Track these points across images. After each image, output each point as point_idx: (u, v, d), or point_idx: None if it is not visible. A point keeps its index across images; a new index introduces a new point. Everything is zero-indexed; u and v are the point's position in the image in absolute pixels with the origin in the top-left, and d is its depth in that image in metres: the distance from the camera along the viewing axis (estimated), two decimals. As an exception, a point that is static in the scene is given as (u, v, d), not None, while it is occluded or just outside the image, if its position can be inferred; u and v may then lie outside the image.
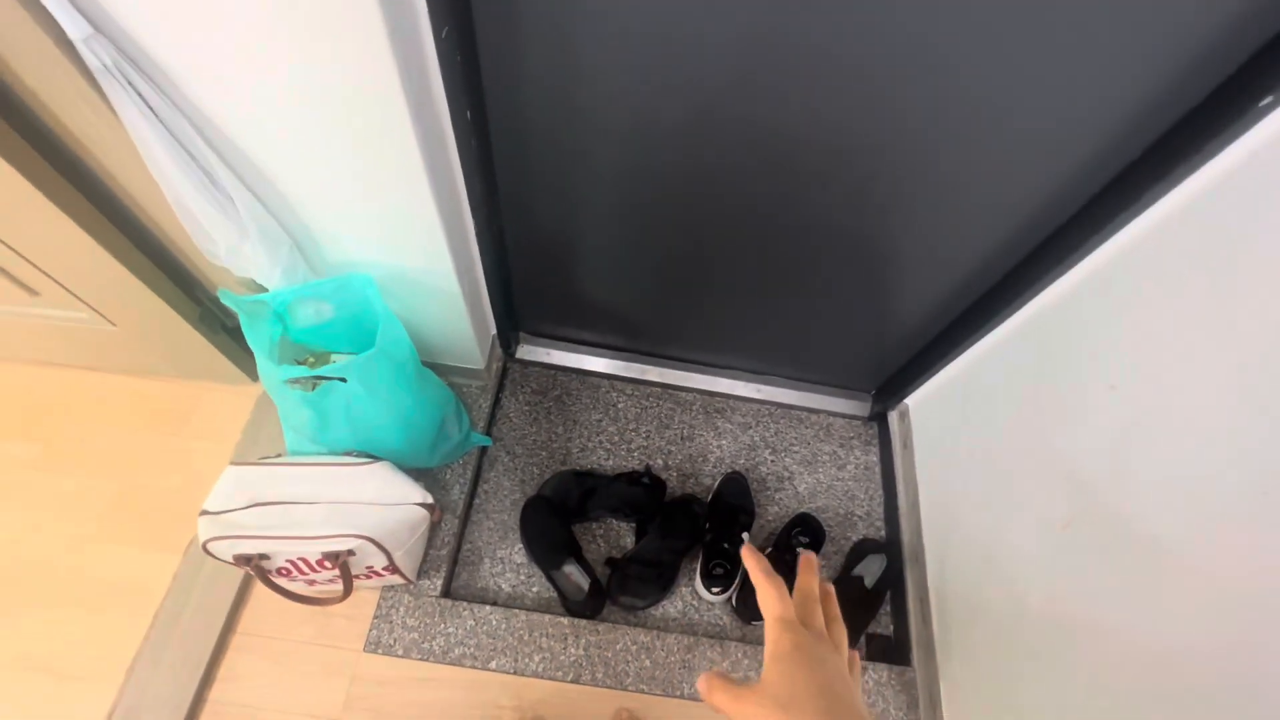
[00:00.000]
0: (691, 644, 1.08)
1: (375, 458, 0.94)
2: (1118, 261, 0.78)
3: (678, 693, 1.04)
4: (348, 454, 0.95)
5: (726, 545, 1.15)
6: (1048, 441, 0.85)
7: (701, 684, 0.35)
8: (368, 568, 0.96)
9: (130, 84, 0.61)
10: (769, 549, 1.18)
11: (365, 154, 0.69)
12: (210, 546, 0.86)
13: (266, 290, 0.86)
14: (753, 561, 0.39)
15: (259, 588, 1.05)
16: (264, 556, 0.89)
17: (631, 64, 0.70)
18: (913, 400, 1.28)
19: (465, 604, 1.07)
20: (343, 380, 0.85)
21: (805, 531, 1.19)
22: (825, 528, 1.21)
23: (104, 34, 0.58)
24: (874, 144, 0.76)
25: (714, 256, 1.02)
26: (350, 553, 0.89)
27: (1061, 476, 0.82)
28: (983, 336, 1.03)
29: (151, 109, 0.63)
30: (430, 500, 0.95)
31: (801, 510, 1.25)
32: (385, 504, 0.92)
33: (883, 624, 1.18)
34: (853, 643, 1.15)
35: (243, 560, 0.87)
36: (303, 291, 0.87)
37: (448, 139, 0.74)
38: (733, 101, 0.73)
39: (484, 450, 1.24)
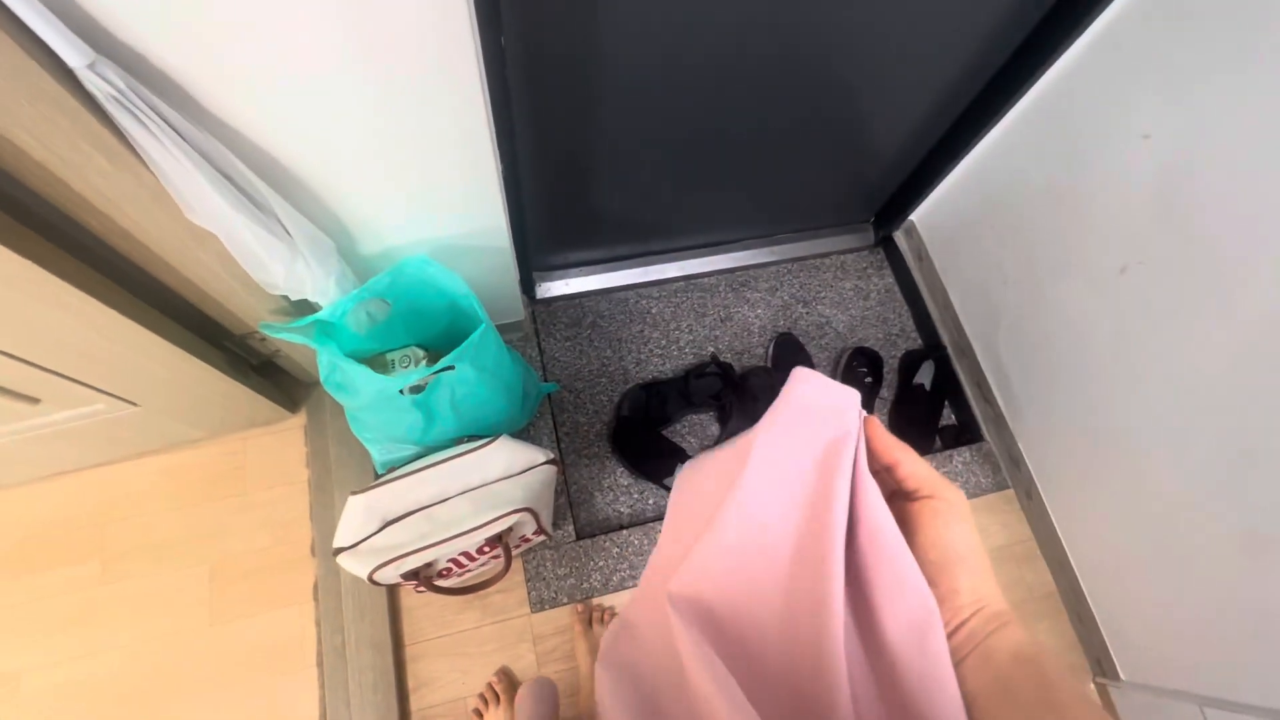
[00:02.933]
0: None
1: (487, 436, 0.92)
2: (1125, 15, 0.82)
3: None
4: (457, 443, 0.92)
5: (806, 399, 1.22)
6: (1089, 202, 0.94)
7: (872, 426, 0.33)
8: (521, 538, 0.97)
9: (148, 109, 0.50)
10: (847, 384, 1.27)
11: (424, 115, 0.61)
12: (376, 576, 0.83)
13: (320, 307, 0.78)
14: (880, 440, 0.34)
15: (407, 599, 1.04)
16: (427, 565, 0.87)
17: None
18: (918, 215, 1.35)
19: (601, 536, 1.11)
20: (450, 369, 0.80)
21: (863, 363, 1.28)
22: (879, 357, 1.31)
23: (109, 57, 0.47)
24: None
25: (713, 137, 1.02)
26: (509, 530, 0.89)
27: (1109, 230, 0.92)
28: (985, 134, 1.08)
29: (177, 132, 0.53)
30: (552, 455, 0.95)
31: (849, 347, 1.33)
32: (520, 472, 0.91)
33: (948, 417, 1.32)
34: (930, 441, 1.29)
35: (411, 576, 0.86)
36: (361, 295, 0.80)
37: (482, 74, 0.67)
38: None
39: (549, 397, 1.22)
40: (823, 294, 1.40)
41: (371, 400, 0.81)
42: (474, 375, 0.82)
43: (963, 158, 1.15)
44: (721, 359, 1.26)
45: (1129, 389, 0.95)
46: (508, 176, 0.85)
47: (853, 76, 0.96)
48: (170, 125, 0.52)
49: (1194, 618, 0.92)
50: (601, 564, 1.09)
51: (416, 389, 0.81)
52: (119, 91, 0.48)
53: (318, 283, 0.74)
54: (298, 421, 1.11)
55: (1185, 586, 0.93)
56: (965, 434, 1.28)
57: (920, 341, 1.37)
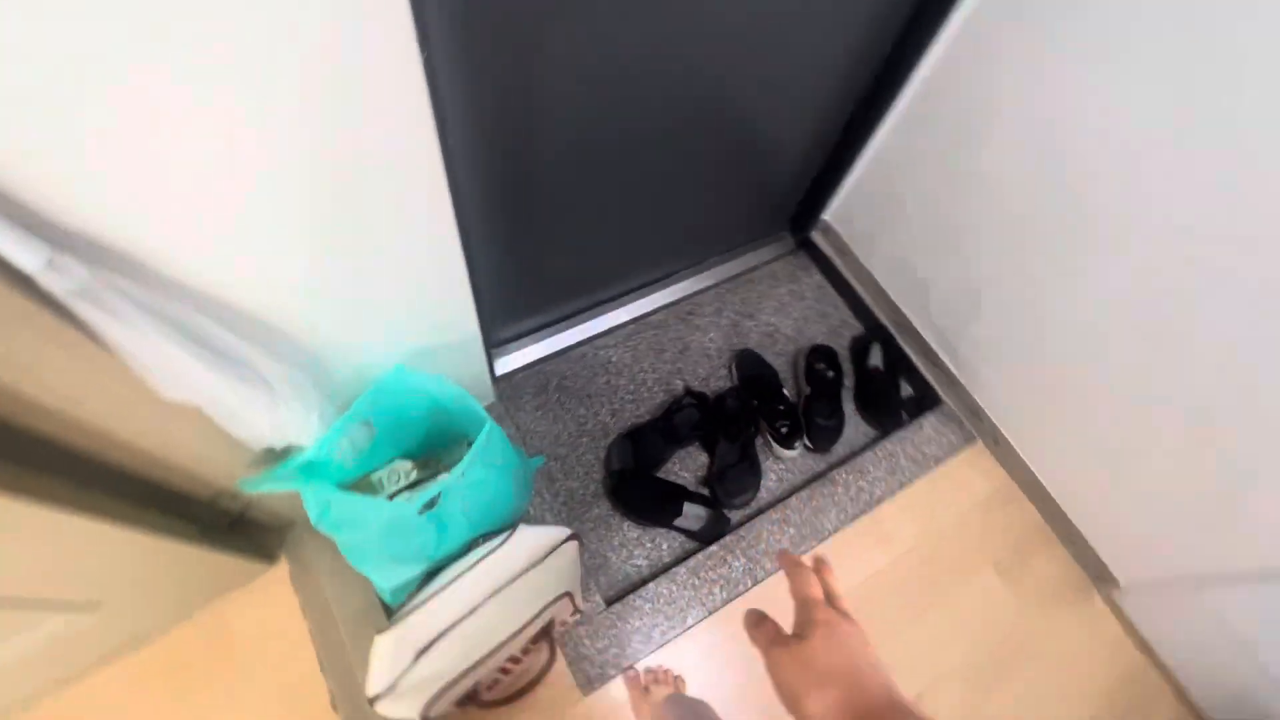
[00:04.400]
0: (807, 494, 1.22)
1: (498, 531, 0.88)
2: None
3: (826, 533, 1.18)
4: (471, 546, 0.88)
5: (781, 406, 1.27)
6: (985, 170, 1.05)
7: (748, 619, 0.42)
8: (559, 623, 0.93)
9: (112, 294, 0.46)
10: (808, 391, 1.32)
11: (396, 233, 0.60)
12: (430, 715, 0.78)
13: (302, 447, 0.73)
14: (786, 561, 0.44)
15: (447, 726, 0.97)
16: (475, 684, 0.82)
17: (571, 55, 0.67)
18: (831, 214, 1.44)
19: (629, 596, 1.09)
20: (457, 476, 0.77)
21: (819, 360, 1.35)
22: (833, 351, 1.38)
23: (65, 248, 0.42)
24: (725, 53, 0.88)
25: (634, 176, 1.05)
26: (550, 620, 0.86)
27: (1006, 191, 1.03)
28: (879, 127, 1.19)
29: (145, 309, 0.48)
30: (570, 530, 0.93)
31: (803, 348, 1.40)
32: (545, 557, 0.88)
33: (907, 390, 1.41)
34: (897, 416, 1.37)
35: (466, 700, 0.80)
36: (345, 423, 0.75)
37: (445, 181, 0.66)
38: (641, 59, 0.80)
39: (538, 472, 1.19)
40: (762, 304, 1.46)
41: (382, 529, 0.76)
42: (483, 475, 0.79)
43: (861, 154, 1.25)
44: (693, 389, 1.29)
45: (1052, 321, 1.06)
46: (470, 267, 0.84)
47: (745, 100, 1.02)
48: (137, 305, 0.48)
49: (1167, 502, 1.03)
50: (638, 624, 1.07)
51: (428, 504, 0.77)
52: (80, 283, 0.44)
53: (301, 424, 0.69)
54: (279, 572, 1.01)
55: (1150, 476, 1.03)
56: (925, 401, 1.38)
57: (862, 327, 1.46)
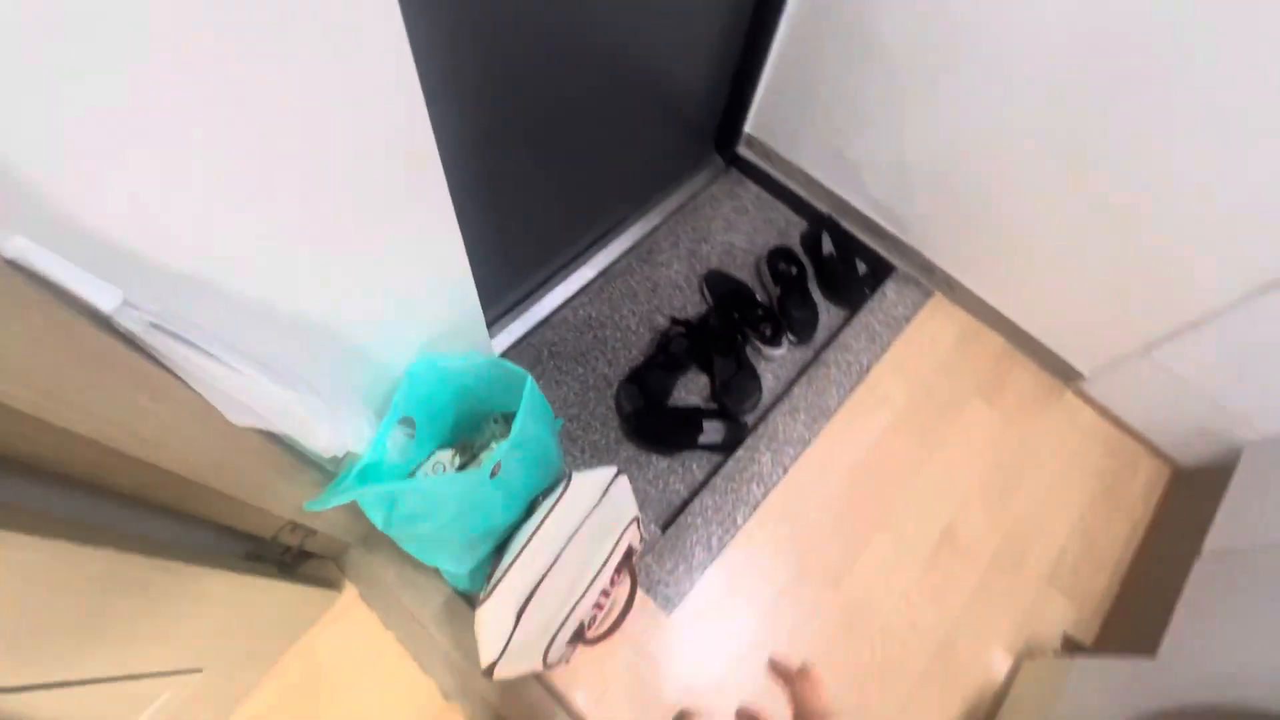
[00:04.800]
0: (806, 381, 1.31)
1: (557, 483, 0.93)
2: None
3: (832, 409, 1.29)
4: (531, 509, 0.92)
5: (760, 311, 1.35)
6: (884, 38, 1.13)
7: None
8: (635, 551, 0.99)
9: (181, 325, 0.47)
10: (777, 291, 1.40)
11: (406, 233, 0.62)
12: (550, 660, 0.83)
13: (352, 456, 0.75)
14: (777, 670, 0.48)
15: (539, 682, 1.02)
16: (579, 623, 0.88)
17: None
18: (751, 126, 1.51)
19: (679, 519, 1.16)
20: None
21: (779, 261, 1.43)
22: (789, 248, 1.46)
23: (136, 283, 0.43)
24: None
25: (573, 142, 1.08)
26: (630, 547, 0.92)
27: (906, 54, 1.12)
28: (774, 33, 1.25)
29: (210, 335, 0.50)
30: (614, 467, 0.98)
31: (762, 254, 1.48)
32: (602, 496, 0.94)
33: (862, 268, 1.52)
34: (860, 294, 1.47)
35: (575, 638, 0.86)
36: (389, 422, 0.77)
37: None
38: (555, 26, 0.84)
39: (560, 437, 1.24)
40: (712, 227, 1.53)
41: (458, 508, 0.79)
42: (534, 430, 0.83)
43: (765, 59, 1.32)
44: (677, 318, 1.34)
45: (970, 157, 1.17)
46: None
47: (650, 41, 1.06)
48: (203, 330, 0.49)
49: (1104, 288, 1.17)
50: (695, 537, 1.14)
51: (494, 471, 0.80)
52: (154, 316, 0.45)
53: (356, 428, 0.71)
54: (348, 596, 1.03)
55: (1084, 269, 1.17)
56: (881, 272, 1.49)
57: (806, 223, 1.55)
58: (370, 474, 0.78)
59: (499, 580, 0.85)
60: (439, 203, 0.65)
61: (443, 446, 0.97)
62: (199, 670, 0.79)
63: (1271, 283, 0.96)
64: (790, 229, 1.55)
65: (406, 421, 0.84)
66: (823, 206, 1.51)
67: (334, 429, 0.66)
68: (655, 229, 1.50)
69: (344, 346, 0.70)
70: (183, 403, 0.51)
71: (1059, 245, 1.17)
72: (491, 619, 0.84)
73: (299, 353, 0.62)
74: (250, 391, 0.54)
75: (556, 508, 0.89)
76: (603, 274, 1.43)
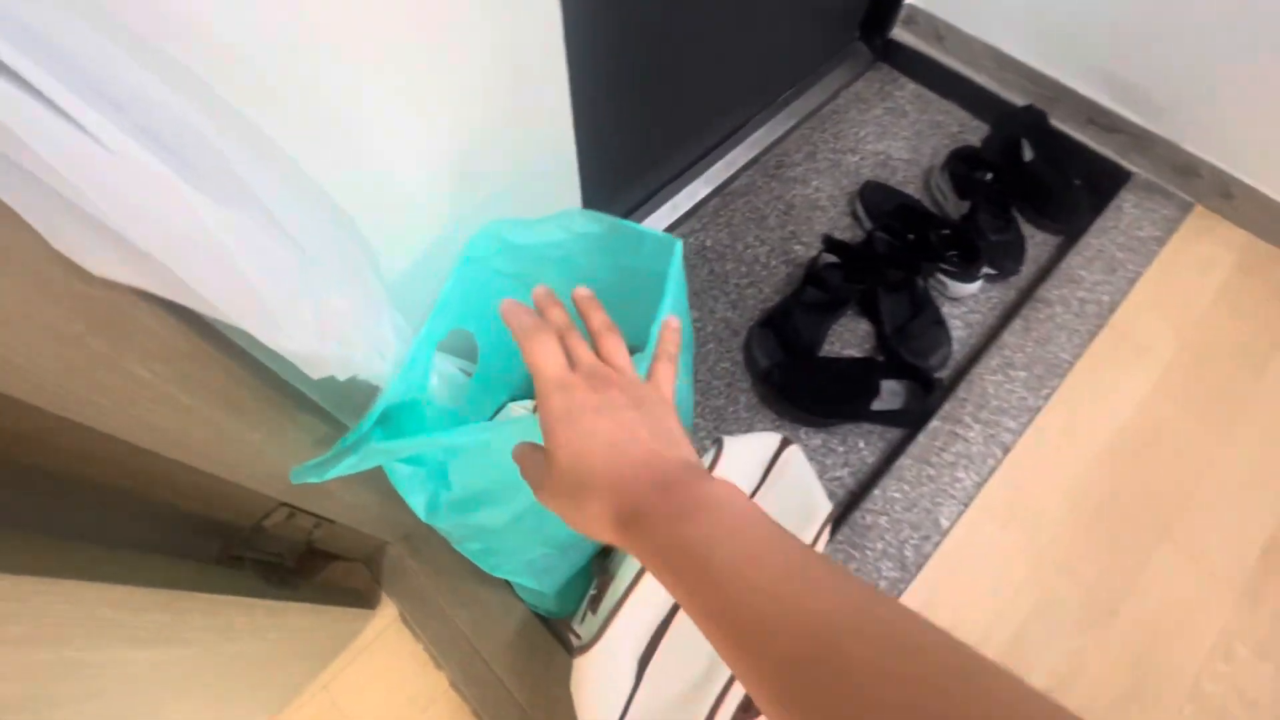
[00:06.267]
0: (1020, 326, 0.92)
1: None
2: None
3: (1065, 364, 0.89)
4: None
5: (946, 231, 0.97)
6: None
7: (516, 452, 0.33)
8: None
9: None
10: (965, 209, 1.01)
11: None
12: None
13: (372, 392, 0.43)
14: (511, 318, 0.32)
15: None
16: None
17: None
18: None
19: (852, 517, 0.79)
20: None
21: (967, 165, 1.04)
22: (976, 150, 1.07)
23: None
24: None
25: (677, 21, 0.76)
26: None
27: None
28: None
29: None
30: (778, 434, 0.63)
31: (934, 163, 1.09)
32: (765, 473, 0.59)
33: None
34: (1076, 212, 1.06)
35: (745, 710, 0.51)
36: (432, 333, 0.45)
37: None
38: None
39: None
40: (860, 134, 1.15)
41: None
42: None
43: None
44: (832, 237, 0.97)
45: None
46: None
47: None
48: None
49: None
50: (882, 545, 0.77)
51: None
52: None
53: (373, 331, 0.39)
54: (385, 617, 0.72)
55: None
56: (1105, 183, 1.06)
57: (989, 124, 1.15)
58: (399, 421, 0.45)
59: (611, 610, 0.51)
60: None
61: (516, 397, 0.64)
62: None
63: None
64: (966, 135, 1.15)
65: (460, 344, 0.52)
66: (1020, 95, 1.10)
67: (317, 305, 0.34)
68: (784, 136, 1.14)
69: (356, 158, 0.38)
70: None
71: None
72: (598, 673, 0.51)
73: (259, 155, 0.30)
74: (128, 194, 0.22)
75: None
76: (719, 191, 1.08)
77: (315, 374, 0.37)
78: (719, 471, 0.56)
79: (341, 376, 0.39)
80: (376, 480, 0.49)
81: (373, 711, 0.68)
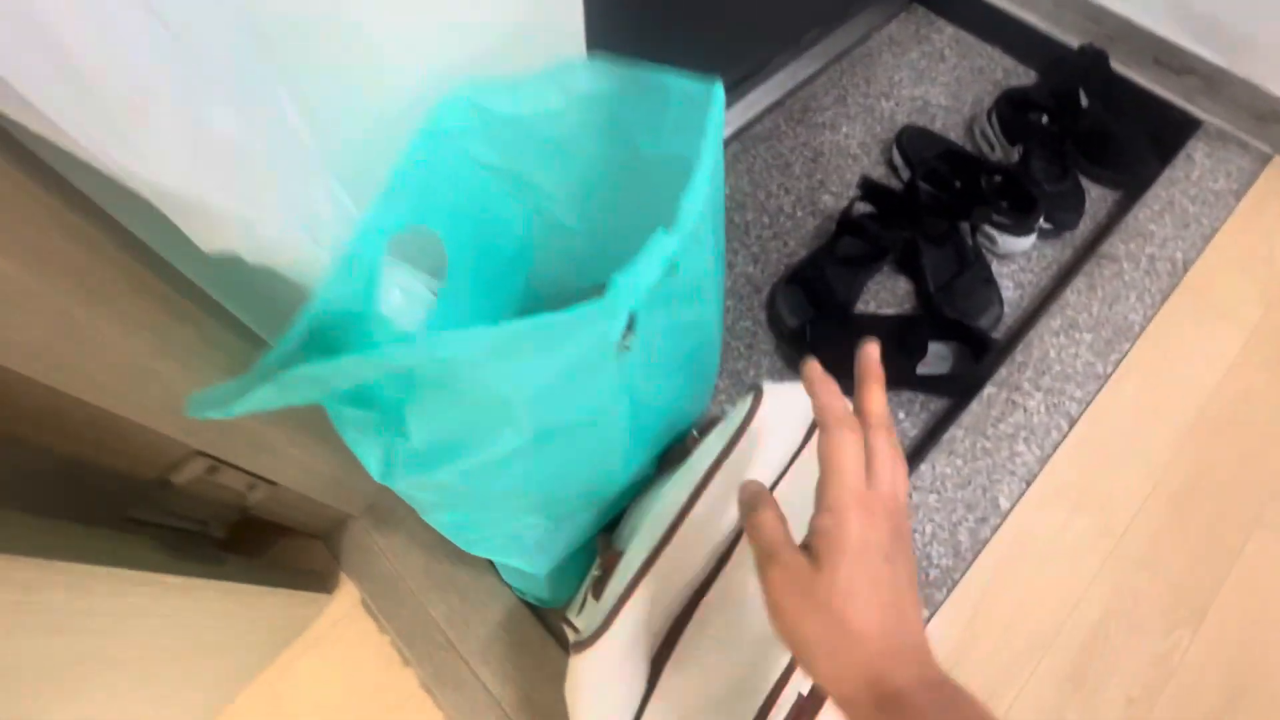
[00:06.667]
0: (1084, 284, 0.81)
1: (709, 424, 0.48)
2: None
3: (1135, 327, 0.77)
4: (664, 461, 0.47)
5: (998, 177, 0.85)
6: None
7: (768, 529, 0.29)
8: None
9: None
10: (1016, 156, 0.90)
11: None
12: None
13: (305, 286, 0.31)
14: (821, 394, 0.31)
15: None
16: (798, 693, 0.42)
17: None
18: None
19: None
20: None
21: (1019, 107, 0.93)
22: (1027, 92, 0.95)
23: None
24: None
25: None
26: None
27: None
28: None
29: None
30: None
31: (979, 109, 0.98)
32: (809, 432, 0.47)
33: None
34: (1142, 161, 0.95)
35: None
36: (383, 212, 0.33)
37: None
38: None
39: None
40: (895, 78, 1.04)
41: (543, 422, 0.34)
42: (699, 256, 0.37)
43: None
44: (870, 177, 0.85)
45: None
46: None
47: None
48: None
49: None
50: (933, 530, 0.66)
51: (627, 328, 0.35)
52: None
53: (283, 172, 0.28)
54: (345, 602, 0.60)
55: None
56: (1171, 132, 0.95)
57: (1036, 70, 1.04)
58: (341, 343, 0.34)
59: (620, 596, 0.40)
60: None
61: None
62: None
63: None
64: (1011, 82, 1.04)
65: (422, 251, 0.40)
66: (1077, 35, 0.99)
67: (198, 130, 0.22)
68: (810, 79, 1.02)
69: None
70: None
71: None
72: (600, 673, 0.40)
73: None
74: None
75: (731, 454, 0.43)
76: (739, 135, 0.97)
77: (205, 241, 0.26)
78: (756, 424, 0.44)
79: (249, 255, 0.28)
80: (331, 432, 0.38)
81: (324, 716, 0.56)
